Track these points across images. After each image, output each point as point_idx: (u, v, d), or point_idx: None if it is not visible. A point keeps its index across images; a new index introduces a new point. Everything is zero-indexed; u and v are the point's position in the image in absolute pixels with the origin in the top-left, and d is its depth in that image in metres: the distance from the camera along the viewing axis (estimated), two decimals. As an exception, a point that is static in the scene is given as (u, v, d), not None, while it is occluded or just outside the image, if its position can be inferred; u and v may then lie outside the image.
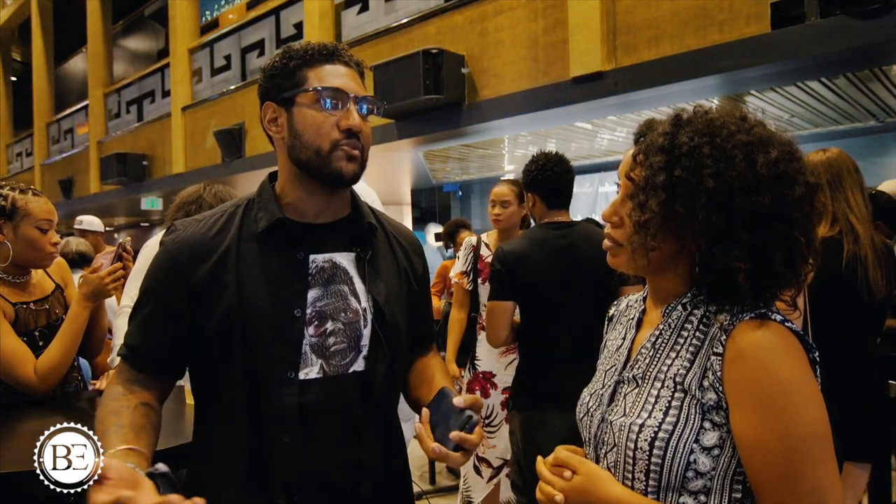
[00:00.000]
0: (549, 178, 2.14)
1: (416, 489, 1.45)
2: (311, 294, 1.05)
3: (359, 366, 1.06)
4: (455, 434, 0.92)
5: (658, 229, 0.83)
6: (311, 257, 1.06)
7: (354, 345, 1.06)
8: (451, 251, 4.62)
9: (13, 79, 14.17)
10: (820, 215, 0.85)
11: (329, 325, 1.05)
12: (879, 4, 2.98)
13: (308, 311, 1.04)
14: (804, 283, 0.86)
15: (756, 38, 3.42)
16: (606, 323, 1.10)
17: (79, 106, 11.11)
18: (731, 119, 0.84)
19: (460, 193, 9.91)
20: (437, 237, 4.65)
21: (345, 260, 1.09)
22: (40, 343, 1.75)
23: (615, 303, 1.12)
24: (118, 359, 1.10)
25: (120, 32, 12.83)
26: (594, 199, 8.02)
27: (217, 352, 1.03)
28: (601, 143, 6.49)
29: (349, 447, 1.04)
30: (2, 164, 13.89)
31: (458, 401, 0.96)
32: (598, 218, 7.51)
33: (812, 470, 0.76)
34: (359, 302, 1.08)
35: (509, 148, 6.70)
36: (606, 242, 0.95)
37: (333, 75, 1.05)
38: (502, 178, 2.93)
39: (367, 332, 1.07)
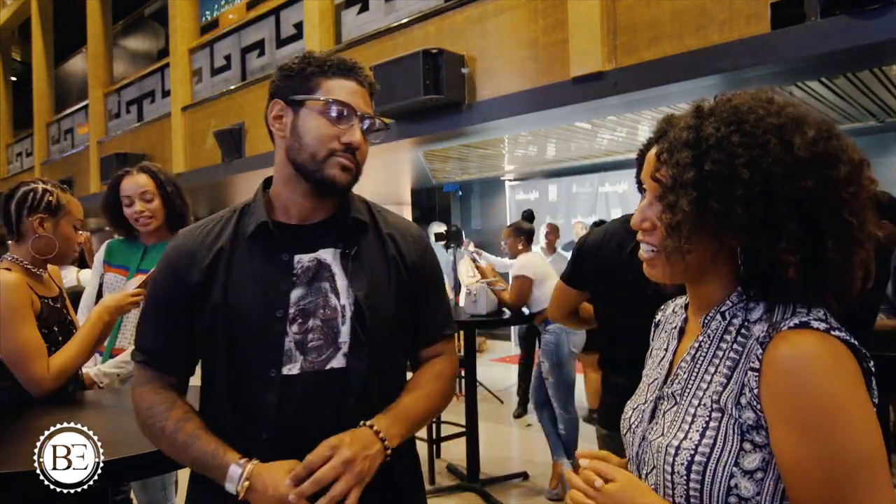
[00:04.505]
0: None
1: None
2: (295, 293, 1.08)
3: (338, 362, 1.07)
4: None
5: (692, 230, 0.78)
6: (297, 258, 1.10)
7: (332, 342, 1.08)
8: (450, 251, 4.62)
9: (13, 79, 14.15)
10: (869, 193, 0.78)
11: (310, 322, 1.08)
12: (879, 4, 2.97)
13: (291, 310, 1.07)
14: (864, 271, 0.78)
15: (756, 38, 3.42)
16: (653, 329, 1.05)
17: (79, 106, 11.09)
18: (758, 103, 0.78)
19: (460, 193, 9.91)
20: (439, 237, 4.63)
21: (329, 257, 1.11)
22: (60, 339, 1.78)
23: (662, 307, 1.06)
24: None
25: (120, 32, 12.81)
26: (594, 199, 8.01)
27: (205, 351, 1.09)
28: (601, 143, 6.48)
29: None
30: (2, 164, 13.88)
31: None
32: (595, 218, 7.43)
33: (859, 499, 0.68)
34: (338, 299, 1.09)
35: (509, 148, 6.70)
36: (642, 252, 0.88)
37: (346, 90, 1.09)
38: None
39: (345, 329, 1.08)
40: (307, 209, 1.13)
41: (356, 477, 0.98)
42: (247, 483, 0.98)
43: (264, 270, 1.08)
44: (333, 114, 1.07)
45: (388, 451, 1.05)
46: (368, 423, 1.06)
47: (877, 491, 0.68)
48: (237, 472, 0.99)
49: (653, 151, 0.86)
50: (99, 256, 2.33)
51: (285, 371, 1.05)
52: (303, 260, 1.10)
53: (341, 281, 1.10)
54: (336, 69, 1.09)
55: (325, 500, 0.96)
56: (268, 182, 1.18)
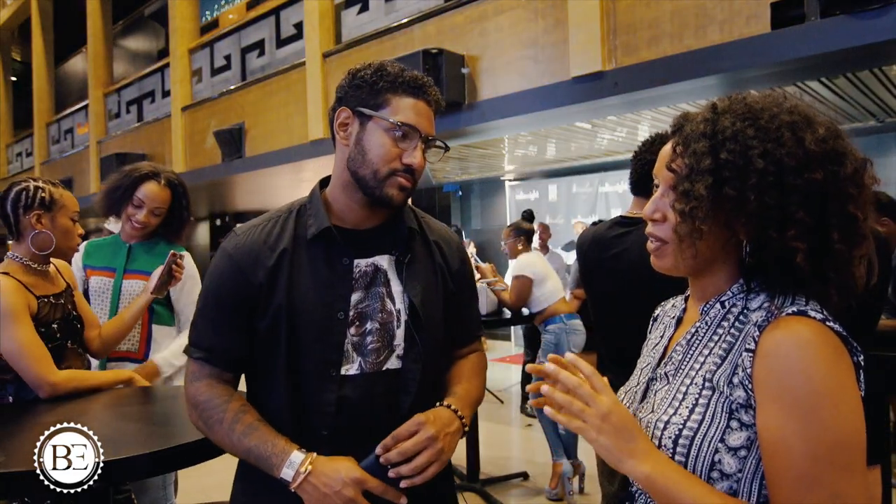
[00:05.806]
0: None
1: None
2: (355, 297, 1.12)
3: (392, 364, 1.13)
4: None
5: (706, 215, 0.80)
6: (356, 262, 1.14)
7: (388, 344, 1.13)
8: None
9: (13, 79, 14.15)
10: (870, 191, 0.83)
11: (368, 325, 1.12)
12: (879, 4, 2.98)
13: (351, 312, 1.12)
14: (863, 266, 0.81)
15: (756, 38, 3.42)
16: (651, 322, 1.09)
17: (79, 106, 11.09)
18: (772, 102, 0.84)
19: (460, 193, 9.91)
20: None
21: (385, 263, 1.16)
22: (58, 335, 1.79)
23: (662, 303, 1.10)
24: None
25: (120, 32, 12.82)
26: (594, 198, 8.01)
27: (266, 349, 1.11)
28: (601, 143, 6.48)
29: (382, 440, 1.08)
30: (2, 164, 13.88)
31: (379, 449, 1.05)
32: (595, 218, 7.45)
33: (834, 477, 0.72)
34: (393, 303, 1.15)
35: (509, 148, 6.70)
36: (650, 244, 0.91)
37: (413, 110, 1.10)
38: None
39: (400, 333, 1.14)
40: (362, 216, 1.16)
41: (438, 453, 1.05)
42: (310, 467, 1.01)
43: (326, 274, 1.12)
44: (399, 134, 1.09)
45: (466, 429, 1.13)
46: (446, 402, 1.14)
47: (852, 473, 0.72)
48: (299, 457, 1.02)
49: (668, 144, 0.90)
50: (77, 261, 2.22)
51: (343, 371, 1.10)
52: (360, 265, 1.14)
53: (396, 286, 1.15)
54: (407, 86, 1.11)
55: (409, 468, 1.02)
56: (323, 182, 1.21)
